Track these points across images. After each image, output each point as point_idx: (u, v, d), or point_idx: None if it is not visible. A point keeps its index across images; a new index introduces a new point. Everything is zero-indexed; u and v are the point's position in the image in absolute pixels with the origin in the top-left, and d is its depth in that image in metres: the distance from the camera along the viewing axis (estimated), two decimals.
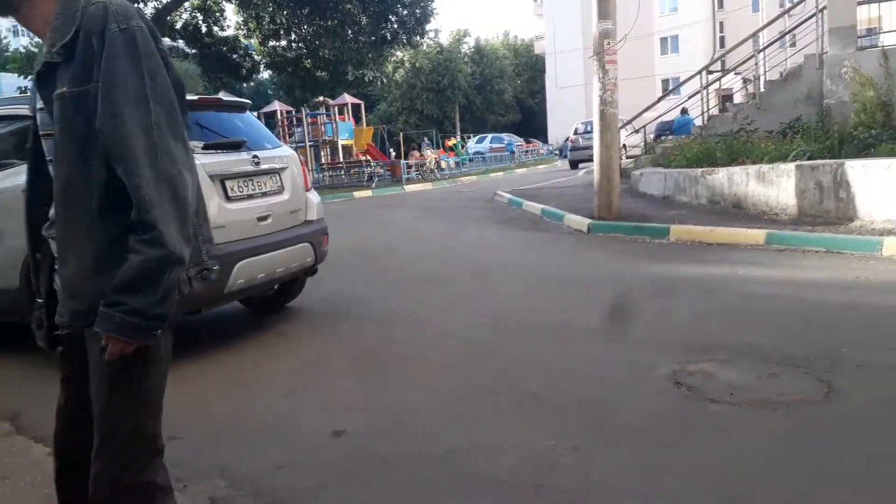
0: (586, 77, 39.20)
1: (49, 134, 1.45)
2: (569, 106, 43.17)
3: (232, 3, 20.24)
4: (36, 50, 27.61)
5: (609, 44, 8.31)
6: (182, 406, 2.91)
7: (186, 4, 19.69)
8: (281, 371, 3.86)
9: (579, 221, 8.45)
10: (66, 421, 1.61)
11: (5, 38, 31.31)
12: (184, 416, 2.91)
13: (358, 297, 5.60)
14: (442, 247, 8.11)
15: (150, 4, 19.13)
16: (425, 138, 27.36)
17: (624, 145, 16.42)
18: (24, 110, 4.15)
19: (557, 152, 36.37)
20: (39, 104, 1.48)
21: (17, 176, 3.79)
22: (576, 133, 23.30)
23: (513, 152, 32.18)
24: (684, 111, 16.78)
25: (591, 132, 21.05)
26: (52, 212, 1.48)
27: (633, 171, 12.95)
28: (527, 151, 34.89)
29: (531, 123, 51.36)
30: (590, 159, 20.77)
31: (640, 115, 16.57)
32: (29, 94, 1.61)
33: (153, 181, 1.35)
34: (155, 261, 1.35)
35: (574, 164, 23.19)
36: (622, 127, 13.50)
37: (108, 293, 1.36)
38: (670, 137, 16.07)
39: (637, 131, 17.55)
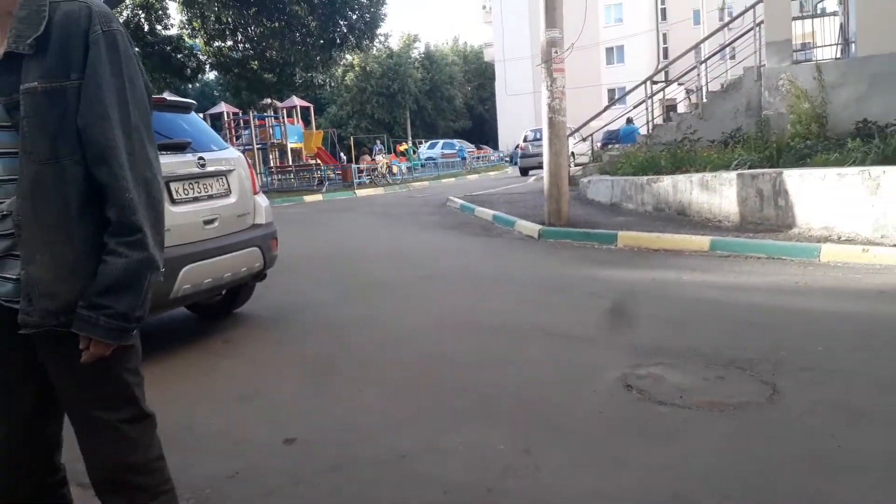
0: (535, 85, 39.75)
1: (1, 126, 1.39)
2: (519, 113, 43.69)
3: (175, 1, 19.78)
4: None
5: (556, 52, 8.43)
6: None
7: (128, 1, 19.15)
8: (229, 377, 3.77)
9: (530, 228, 8.53)
10: (2, 430, 1.53)
11: None
12: None
13: (308, 301, 5.51)
14: (393, 251, 8.08)
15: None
16: (377, 142, 27.27)
17: (572, 153, 16.67)
18: None
19: (508, 159, 36.79)
20: None
21: None
22: (525, 140, 23.57)
23: (464, 158, 32.35)
24: (629, 120, 17.17)
25: (540, 140, 21.23)
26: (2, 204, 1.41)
27: (582, 178, 13.18)
28: (478, 158, 35.13)
29: (482, 130, 51.78)
30: (539, 166, 21.02)
31: (587, 123, 16.89)
32: None
33: (134, 184, 1.38)
34: (138, 263, 1.38)
35: (524, 171, 23.46)
36: (570, 135, 13.72)
37: (89, 296, 1.37)
38: (617, 146, 16.43)
39: (584, 139, 17.88)
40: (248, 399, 3.41)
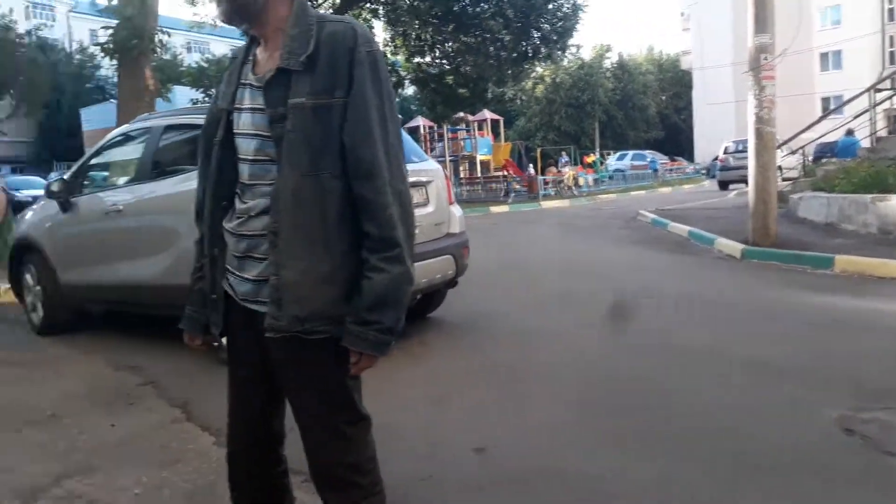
0: (737, 94, 37.13)
1: (253, 134, 1.50)
2: (717, 123, 41.10)
3: (380, 20, 21.12)
4: (206, 65, 30.29)
5: (766, 58, 7.82)
6: None
7: None
8: (424, 380, 3.94)
9: (731, 246, 7.97)
10: (241, 424, 1.68)
11: (179, 54, 34.70)
12: None
13: (497, 311, 5.60)
14: (580, 264, 7.96)
15: None
16: (563, 154, 27.06)
17: (780, 167, 15.36)
18: (196, 119, 4.53)
19: (705, 172, 34.71)
20: (247, 104, 1.51)
21: (190, 181, 4.13)
22: (726, 152, 22.10)
23: (656, 170, 31.03)
24: (850, 132, 15.47)
25: (742, 151, 19.93)
26: (244, 206, 1.52)
27: (791, 194, 12.07)
28: (671, 170, 33.52)
29: (676, 141, 49.40)
30: (741, 180, 19.74)
31: (798, 135, 15.44)
32: (215, 99, 1.65)
33: (393, 199, 1.43)
34: (399, 278, 1.44)
35: (724, 185, 22.01)
36: (778, 147, 12.65)
37: (358, 312, 1.42)
38: (832, 160, 14.87)
39: (794, 152, 16.40)
40: (442, 403, 3.53)
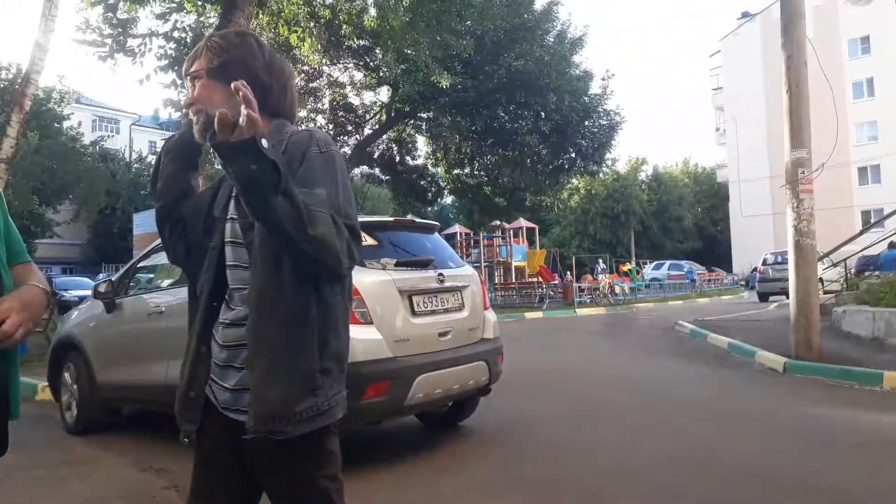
0: (774, 206, 37.18)
1: (237, 243, 1.56)
2: (755, 235, 40.92)
3: (423, 135, 22.04)
4: None
5: (803, 173, 7.88)
6: None
7: (384, 136, 21.75)
8: (455, 492, 3.79)
9: (773, 359, 7.73)
10: None
11: None
12: None
13: (531, 420, 5.45)
14: (617, 375, 7.77)
15: (353, 137, 21.36)
16: (599, 261, 27.03)
17: (821, 279, 15.09)
18: None
19: (744, 283, 34.24)
20: (231, 214, 1.59)
21: None
22: (765, 264, 21.88)
23: (693, 280, 30.73)
24: (892, 245, 15.22)
25: (782, 263, 19.73)
26: (230, 313, 1.57)
27: (834, 307, 11.77)
28: (709, 280, 33.16)
29: (713, 251, 49.14)
30: (781, 292, 19.41)
31: (839, 247, 15.26)
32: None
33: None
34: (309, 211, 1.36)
35: (763, 297, 21.63)
36: (819, 260, 12.48)
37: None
38: (876, 273, 14.56)
39: (836, 265, 16.13)
40: None
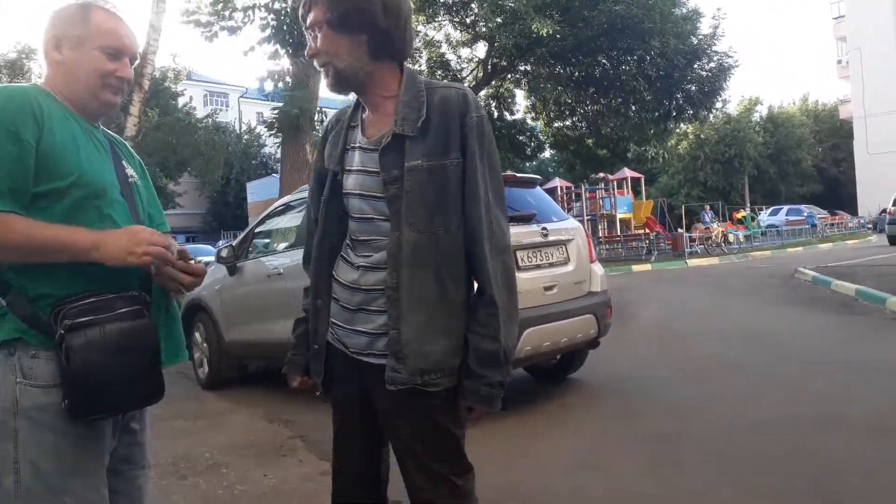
0: None
1: (372, 196, 1.56)
2: (884, 174, 37.60)
3: (522, 89, 21.63)
4: None
5: None
6: (474, 464, 3.01)
7: (482, 93, 21.54)
8: (567, 444, 3.82)
9: None
10: (346, 467, 1.70)
11: None
12: (479, 475, 3.00)
13: (641, 375, 5.38)
14: (732, 328, 7.46)
15: None
16: (707, 207, 25.73)
17: None
18: None
19: (871, 226, 31.73)
20: (357, 166, 1.59)
21: None
22: None
23: (814, 225, 28.80)
24: None
25: None
26: (365, 258, 1.58)
27: None
28: (832, 225, 30.96)
29: (836, 194, 45.73)
30: None
31: None
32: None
33: (491, 256, 1.51)
34: (500, 337, 1.51)
35: (894, 240, 20.01)
36: None
37: (470, 366, 1.51)
38: None
39: None
40: (585, 469, 3.40)
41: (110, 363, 1.45)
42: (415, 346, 1.49)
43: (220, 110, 38.89)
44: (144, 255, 1.46)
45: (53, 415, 1.45)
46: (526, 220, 4.70)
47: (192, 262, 1.63)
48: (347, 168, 1.61)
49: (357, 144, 1.61)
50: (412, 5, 15.30)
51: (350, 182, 1.60)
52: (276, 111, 11.39)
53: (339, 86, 1.58)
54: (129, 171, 1.71)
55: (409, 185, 1.49)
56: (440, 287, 1.51)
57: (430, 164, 1.50)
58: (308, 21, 1.56)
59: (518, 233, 4.54)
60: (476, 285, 1.55)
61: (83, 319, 1.44)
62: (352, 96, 1.70)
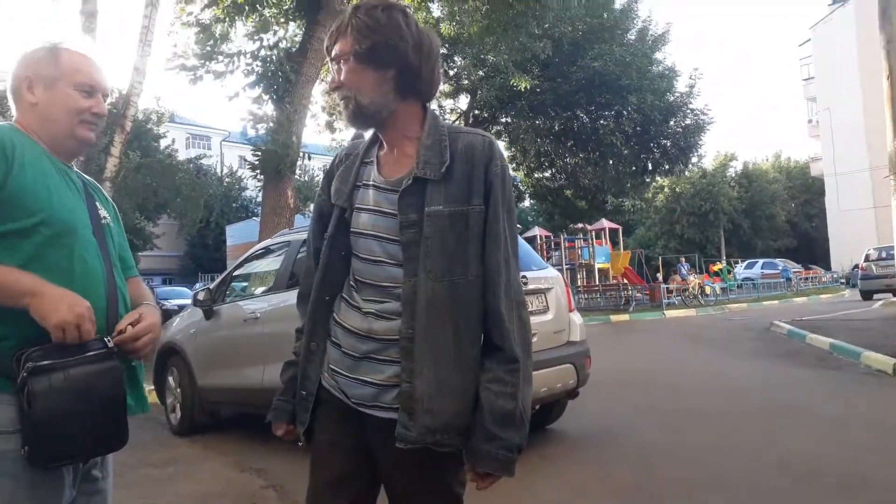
0: (876, 199, 34.97)
1: (385, 237, 1.48)
2: (855, 230, 38.55)
3: (502, 140, 22.01)
4: None
5: None
6: None
7: None
8: (545, 495, 3.77)
9: (881, 360, 7.27)
10: None
11: (317, 175, 37.68)
12: None
13: (620, 425, 5.35)
14: (710, 379, 7.50)
15: None
16: (683, 259, 26.06)
17: None
18: None
19: (844, 281, 32.36)
20: (371, 206, 1.50)
21: None
22: (868, 260, 20.57)
23: (789, 279, 29.28)
24: None
25: (887, 259, 18.52)
26: (377, 305, 1.48)
27: None
28: (806, 279, 31.51)
29: (809, 249, 46.69)
30: (887, 289, 18.22)
31: None
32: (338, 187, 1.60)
33: (510, 308, 1.44)
34: (523, 393, 1.43)
35: (867, 295, 20.34)
36: None
37: (486, 426, 1.39)
38: None
39: None
40: None
41: (74, 409, 1.41)
42: (427, 404, 1.39)
43: (203, 154, 38.92)
44: (73, 323, 1.42)
45: (11, 461, 1.40)
46: None
47: (141, 323, 1.58)
48: (358, 206, 1.53)
49: (372, 182, 1.53)
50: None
51: (362, 221, 1.51)
52: (258, 153, 11.44)
53: (358, 120, 1.52)
54: (103, 212, 1.70)
55: (429, 231, 1.42)
56: (456, 340, 1.42)
57: (452, 210, 1.43)
58: (334, 52, 1.50)
59: None
60: (487, 340, 1.46)
61: (46, 363, 1.40)
62: (337, 140, 1.64)
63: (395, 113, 1.50)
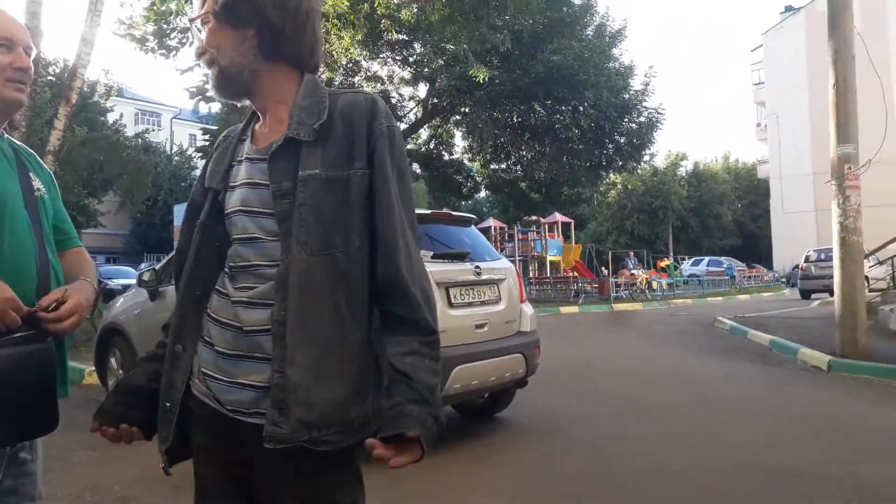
0: (817, 203, 36.29)
1: (258, 212, 1.30)
2: (797, 232, 39.98)
3: (460, 130, 22.01)
4: None
5: (850, 168, 7.68)
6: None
7: (421, 132, 21.79)
8: (492, 485, 3.80)
9: (817, 357, 7.57)
10: None
11: None
12: None
13: (567, 414, 5.44)
14: (655, 371, 7.68)
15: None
16: (631, 254, 26.59)
17: (867, 277, 14.66)
18: None
19: (785, 280, 33.53)
20: (242, 180, 1.34)
21: None
22: (807, 261, 21.38)
23: (733, 277, 30.21)
24: None
25: (825, 260, 19.26)
26: (246, 292, 1.29)
27: (882, 306, 11.47)
28: (749, 277, 32.55)
29: (753, 248, 48.20)
30: (824, 289, 18.95)
31: (886, 245, 14.82)
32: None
33: (411, 282, 1.25)
34: (438, 362, 1.26)
35: (806, 294, 21.15)
36: (865, 257, 12.13)
37: (411, 390, 1.19)
38: None
39: (882, 263, 15.70)
40: None
41: (1, 391, 1.36)
42: (302, 394, 1.18)
43: (152, 130, 37.81)
44: None
45: None
46: (460, 257, 4.73)
47: (66, 304, 1.50)
48: (231, 184, 1.36)
49: (244, 156, 1.37)
50: (359, 37, 15.52)
51: (233, 198, 1.34)
52: (207, 135, 11.17)
53: (223, 87, 1.36)
54: (37, 183, 1.62)
55: (303, 198, 1.25)
56: (337, 321, 1.23)
57: (330, 174, 1.26)
58: (198, 15, 1.37)
59: (451, 270, 4.57)
60: (388, 316, 1.27)
61: None
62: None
63: (259, 76, 1.34)
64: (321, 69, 1.36)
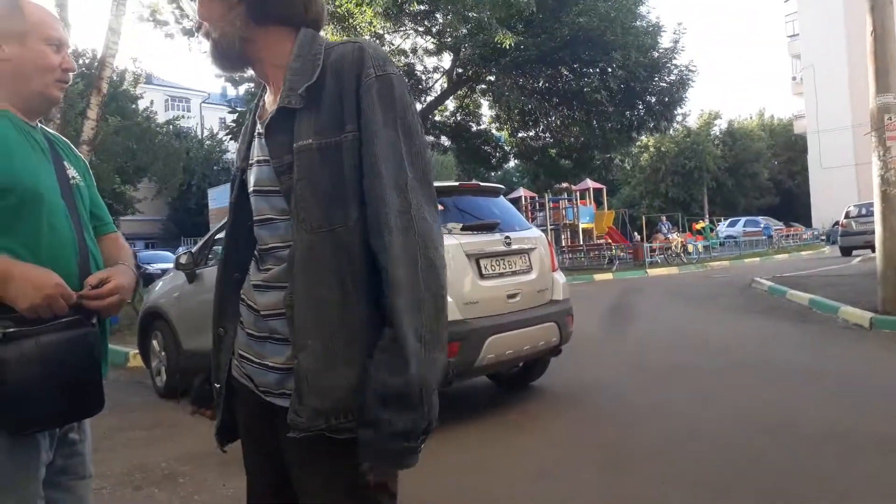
0: (857, 156, 35.28)
1: (268, 191, 1.25)
2: (836, 188, 38.93)
3: (486, 99, 21.80)
4: None
5: (891, 119, 7.42)
6: (435, 473, 3.01)
7: (447, 104, 21.64)
8: (526, 452, 3.84)
9: (859, 315, 7.41)
10: None
11: None
12: (440, 485, 3.00)
13: (602, 382, 5.44)
14: (690, 335, 7.61)
15: (416, 104, 21.30)
16: (663, 218, 26.17)
17: None
18: None
19: (824, 238, 32.75)
20: (259, 157, 1.27)
21: None
22: (847, 217, 20.81)
23: (770, 237, 29.59)
24: None
25: (866, 216, 18.73)
26: (261, 274, 1.28)
27: None
28: (787, 236, 31.85)
29: (791, 206, 47.07)
30: (865, 246, 18.45)
31: None
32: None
33: (403, 256, 1.12)
34: (424, 361, 1.10)
35: (846, 251, 20.64)
36: None
37: (368, 407, 1.09)
38: None
39: None
40: (546, 478, 3.42)
41: (48, 376, 1.40)
42: (314, 381, 1.13)
43: (182, 115, 38.26)
44: (42, 305, 1.41)
45: None
46: (490, 228, 4.73)
47: (108, 285, 1.54)
48: (251, 162, 1.31)
49: (257, 132, 1.31)
50: (380, 9, 15.39)
51: (251, 178, 1.29)
52: (236, 116, 11.26)
53: (220, 59, 1.30)
54: (72, 171, 1.65)
55: (300, 172, 1.17)
56: (344, 301, 1.15)
57: (322, 142, 1.16)
58: None
59: (482, 241, 4.58)
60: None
61: (16, 330, 1.39)
62: None
63: (252, 42, 1.27)
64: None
